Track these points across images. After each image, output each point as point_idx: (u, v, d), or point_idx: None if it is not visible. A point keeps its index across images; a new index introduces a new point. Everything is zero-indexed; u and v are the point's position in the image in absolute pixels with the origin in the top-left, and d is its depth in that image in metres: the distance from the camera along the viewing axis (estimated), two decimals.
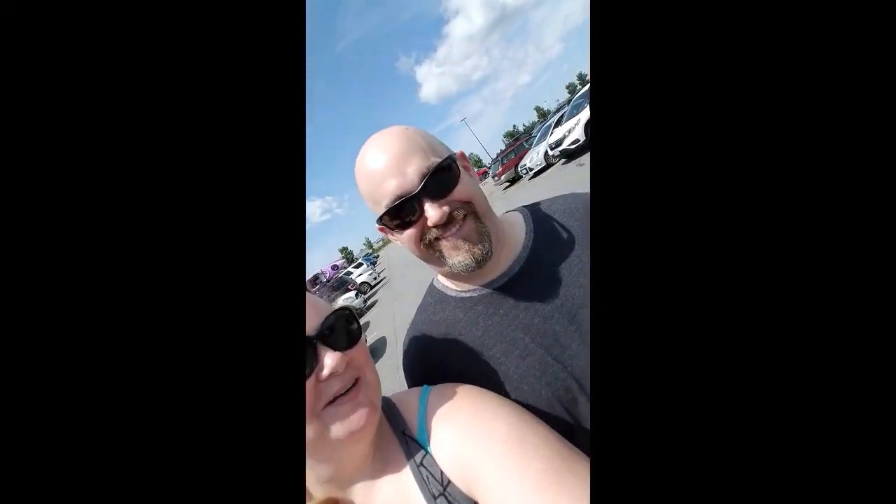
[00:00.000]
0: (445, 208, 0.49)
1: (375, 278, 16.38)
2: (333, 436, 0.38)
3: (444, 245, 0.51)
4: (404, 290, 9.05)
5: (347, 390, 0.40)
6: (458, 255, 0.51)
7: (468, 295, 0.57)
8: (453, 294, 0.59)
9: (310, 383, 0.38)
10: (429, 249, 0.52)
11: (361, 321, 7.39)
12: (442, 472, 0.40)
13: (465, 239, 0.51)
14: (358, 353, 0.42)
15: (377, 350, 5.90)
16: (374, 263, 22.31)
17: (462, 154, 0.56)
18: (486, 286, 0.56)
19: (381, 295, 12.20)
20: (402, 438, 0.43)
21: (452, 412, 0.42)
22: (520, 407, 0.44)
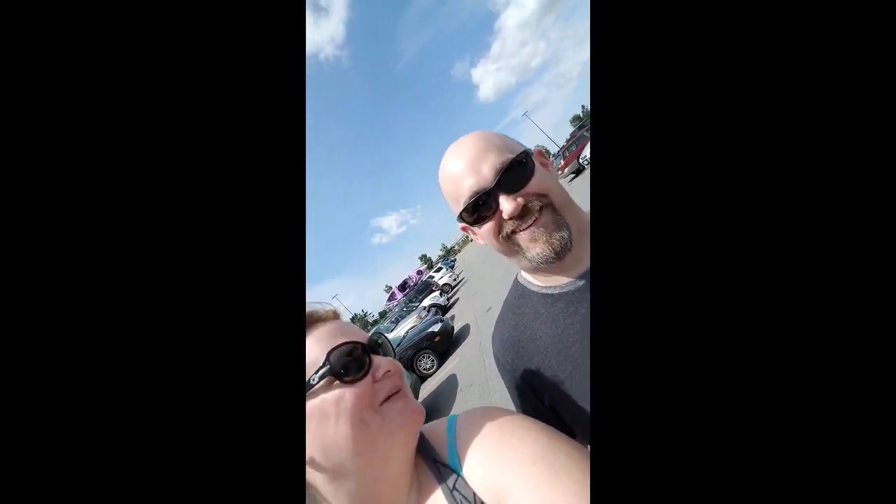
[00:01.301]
0: (520, 200, 0.50)
1: (454, 279, 18.03)
2: (392, 428, 0.41)
3: (522, 237, 0.51)
4: (480, 289, 10.31)
5: (395, 393, 0.43)
6: (535, 246, 0.51)
7: (549, 291, 0.56)
8: (535, 289, 0.59)
9: (367, 381, 0.41)
10: (507, 242, 0.53)
11: (447, 315, 8.71)
12: (475, 494, 0.40)
13: (542, 229, 0.51)
14: (398, 367, 0.45)
15: (463, 334, 7.16)
16: (452, 267, 24.04)
17: (540, 151, 0.57)
18: (568, 283, 0.55)
19: (461, 293, 13.60)
20: (434, 466, 0.44)
21: (482, 437, 0.43)
22: (548, 427, 0.43)
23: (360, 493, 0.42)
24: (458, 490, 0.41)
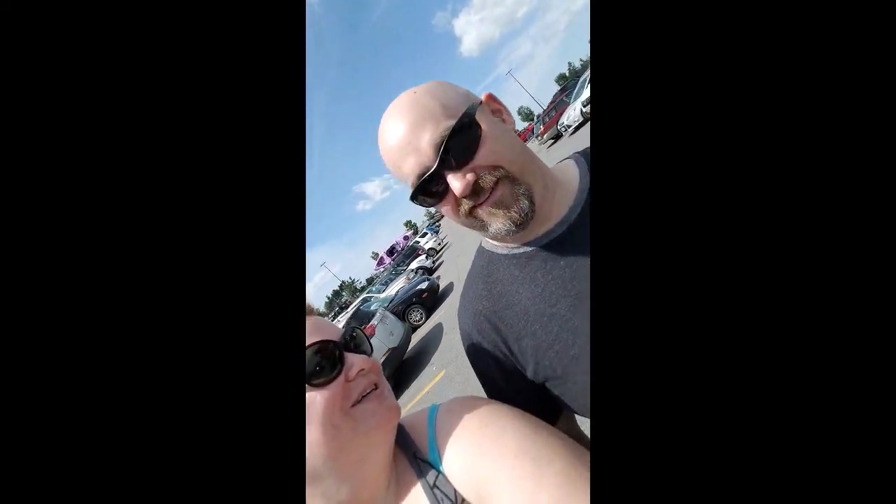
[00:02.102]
0: (469, 177, 0.44)
1: (439, 243, 18.89)
2: (364, 430, 0.40)
3: (480, 213, 0.47)
4: (463, 250, 11.16)
5: (371, 391, 0.42)
6: (495, 221, 0.46)
7: (521, 251, 0.51)
8: (505, 252, 0.53)
9: (339, 382, 0.40)
10: (469, 218, 0.48)
11: (433, 276, 9.56)
12: (455, 490, 0.40)
13: (498, 204, 0.45)
14: (374, 363, 0.44)
15: (447, 291, 8.05)
16: (436, 232, 24.78)
17: (489, 97, 0.50)
18: (539, 239, 0.50)
19: (445, 256, 14.48)
20: (414, 461, 0.43)
21: (461, 429, 0.42)
22: (530, 416, 0.42)
23: (337, 495, 0.41)
24: (438, 487, 0.40)
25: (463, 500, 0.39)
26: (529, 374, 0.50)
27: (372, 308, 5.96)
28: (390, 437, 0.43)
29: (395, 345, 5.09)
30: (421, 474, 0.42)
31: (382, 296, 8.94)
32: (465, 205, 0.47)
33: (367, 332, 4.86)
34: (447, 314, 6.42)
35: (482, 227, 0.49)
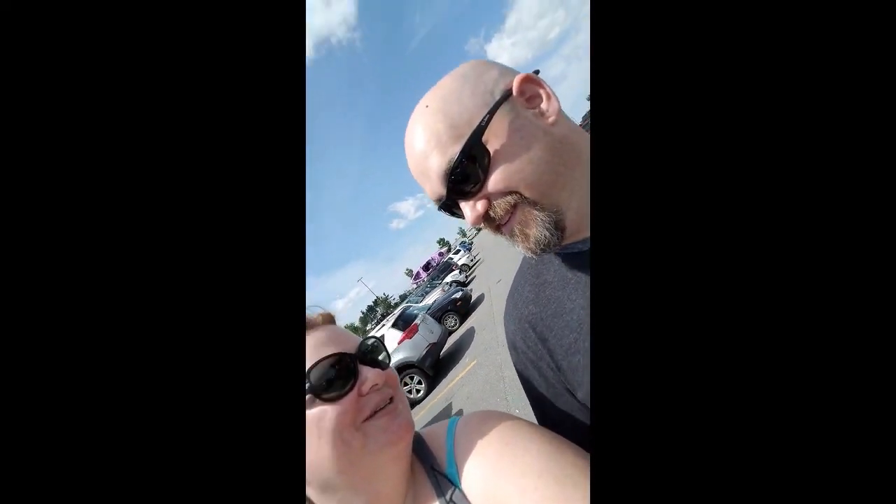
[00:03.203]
0: (479, 208, 0.41)
1: (472, 259, 19.94)
2: (375, 447, 0.39)
3: (505, 232, 0.43)
4: (494, 266, 12.09)
5: (385, 405, 0.41)
6: (520, 243, 0.42)
7: (577, 249, 0.44)
8: (558, 250, 0.45)
9: (352, 397, 0.39)
10: (497, 233, 0.44)
11: (467, 288, 10.53)
12: None
13: (518, 228, 0.41)
14: (391, 375, 0.43)
15: (478, 301, 8.98)
16: (469, 249, 25.86)
17: (525, 80, 0.41)
18: None
19: (477, 272, 15.40)
20: (432, 474, 0.42)
21: (481, 445, 0.40)
22: (552, 433, 0.39)
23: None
24: (455, 502, 0.39)
25: None
26: (580, 396, 0.43)
27: (414, 312, 7.03)
28: (404, 454, 0.42)
29: (435, 341, 6.15)
30: (438, 488, 0.41)
31: (421, 304, 10.01)
32: (486, 227, 0.44)
33: (411, 330, 5.96)
34: (478, 320, 7.39)
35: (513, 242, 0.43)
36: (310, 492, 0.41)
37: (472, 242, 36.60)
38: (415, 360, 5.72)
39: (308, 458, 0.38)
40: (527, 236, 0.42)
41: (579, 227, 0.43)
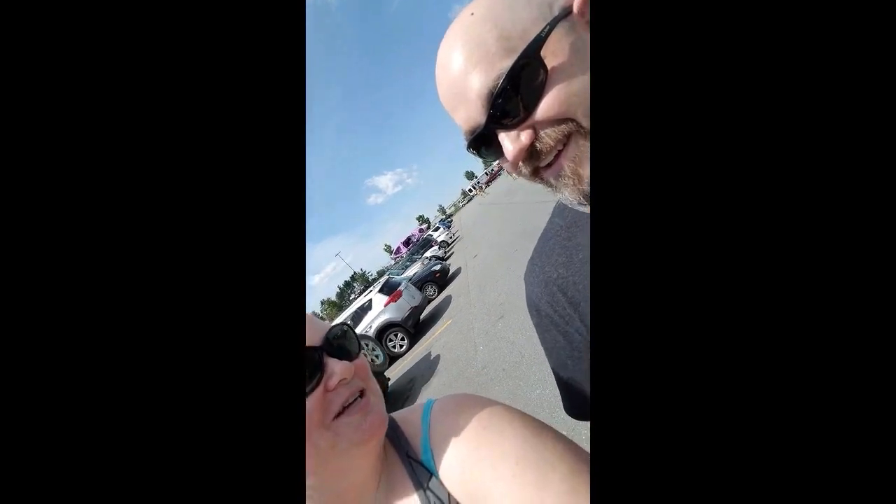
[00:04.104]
0: (524, 139, 0.34)
1: (451, 237, 20.85)
2: (346, 445, 0.37)
3: (546, 176, 0.37)
4: (473, 243, 13.09)
5: (355, 400, 0.39)
6: (564, 188, 0.37)
7: None
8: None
9: (318, 394, 0.37)
10: (535, 178, 0.38)
11: (445, 262, 11.44)
12: (450, 495, 0.38)
13: (569, 167, 0.35)
14: (361, 365, 0.41)
15: (455, 274, 9.92)
16: (448, 226, 26.69)
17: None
18: None
19: (456, 248, 16.34)
20: (407, 461, 0.41)
21: (457, 430, 0.39)
22: (530, 417, 0.38)
23: (321, 499, 0.40)
24: (431, 490, 0.38)
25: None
26: None
27: (398, 280, 7.87)
28: (375, 448, 0.40)
29: (416, 304, 7.08)
30: (415, 477, 0.40)
31: (403, 276, 10.84)
32: (525, 167, 0.37)
33: (396, 295, 6.81)
34: (454, 289, 8.40)
35: (552, 189, 0.38)
36: None
37: (452, 220, 37.41)
38: (398, 319, 6.62)
39: None
40: (580, 177, 0.35)
41: None
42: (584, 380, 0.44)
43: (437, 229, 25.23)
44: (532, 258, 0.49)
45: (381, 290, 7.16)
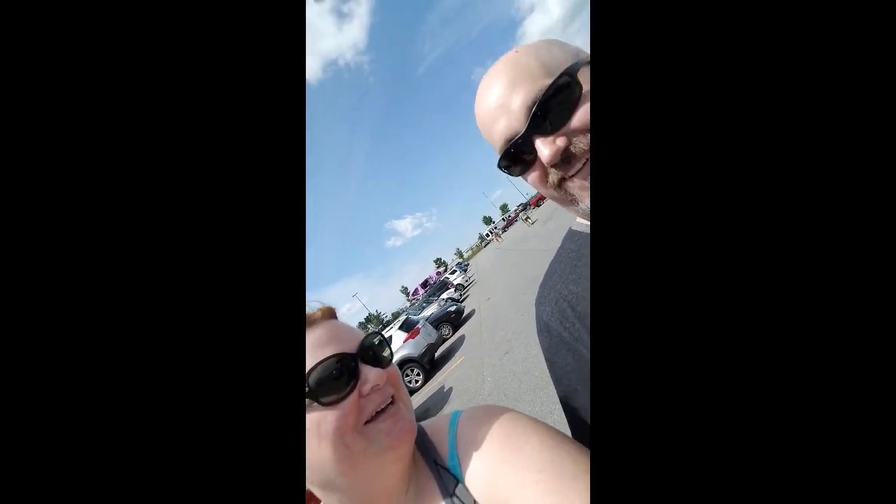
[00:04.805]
0: (560, 142, 0.40)
1: (467, 280, 21.55)
2: (377, 450, 0.39)
3: (572, 185, 0.42)
4: (487, 286, 13.75)
5: (387, 406, 0.40)
6: (587, 197, 0.42)
7: None
8: None
9: (352, 399, 0.38)
10: (559, 191, 0.43)
11: (461, 304, 12.03)
12: (475, 501, 0.39)
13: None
14: (393, 373, 0.43)
15: (469, 315, 10.50)
16: (465, 270, 27.48)
17: None
18: None
19: (472, 291, 16.95)
20: (435, 468, 0.42)
21: (484, 439, 0.40)
22: (553, 429, 0.40)
23: (352, 502, 0.41)
24: (457, 496, 0.40)
25: None
26: None
27: (416, 319, 8.54)
28: (406, 454, 0.42)
29: (432, 342, 7.71)
30: (441, 483, 0.41)
31: (420, 315, 11.48)
32: (554, 175, 0.42)
33: (414, 332, 7.46)
34: (468, 329, 8.98)
35: (572, 201, 0.44)
36: (315, 489, 0.41)
37: (469, 264, 38.31)
38: (416, 355, 7.19)
39: (310, 459, 0.38)
40: None
41: None
42: (579, 384, 0.45)
43: (454, 272, 26.06)
44: (542, 282, 0.51)
45: (400, 328, 7.83)
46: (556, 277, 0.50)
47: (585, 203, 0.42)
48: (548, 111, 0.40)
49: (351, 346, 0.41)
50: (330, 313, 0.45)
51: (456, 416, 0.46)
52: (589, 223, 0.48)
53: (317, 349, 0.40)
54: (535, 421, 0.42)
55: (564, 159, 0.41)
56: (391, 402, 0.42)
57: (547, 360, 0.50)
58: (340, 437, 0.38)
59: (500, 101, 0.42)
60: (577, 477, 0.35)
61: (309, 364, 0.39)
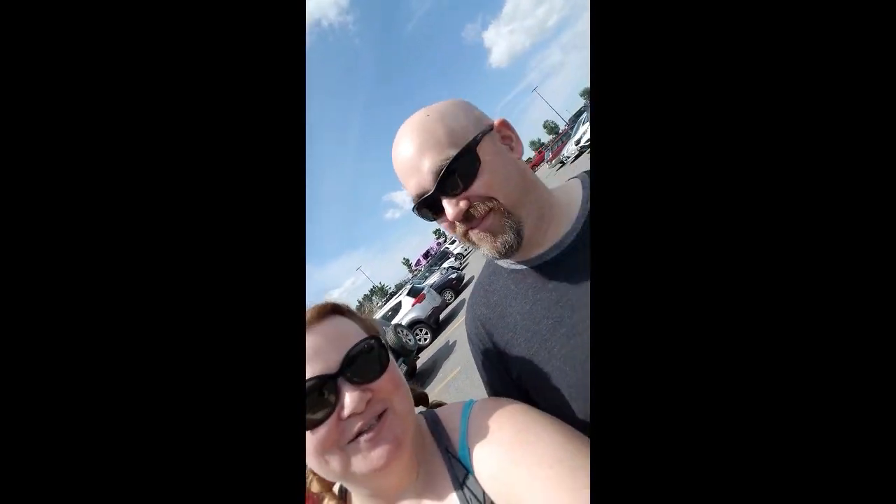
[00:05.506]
0: (462, 205, 0.49)
1: (466, 249, 22.55)
2: (356, 471, 0.39)
3: (472, 236, 0.52)
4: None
5: (371, 426, 0.40)
6: (483, 246, 0.52)
7: (519, 268, 0.57)
8: (506, 266, 0.59)
9: (331, 422, 0.38)
10: (463, 238, 0.53)
11: (461, 270, 13.05)
12: (484, 493, 0.39)
13: (486, 232, 0.51)
14: (385, 382, 0.41)
15: (470, 281, 11.54)
16: None
17: (502, 124, 0.54)
18: (537, 258, 0.55)
19: (471, 259, 18.01)
20: (446, 456, 0.43)
21: (494, 431, 0.41)
22: (565, 425, 0.42)
23: (363, 492, 0.43)
24: (467, 487, 0.40)
25: (492, 503, 0.39)
26: (514, 377, 0.57)
27: (421, 286, 9.58)
28: (395, 467, 0.41)
29: (437, 305, 8.83)
30: (452, 471, 0.42)
31: (424, 283, 12.54)
32: (459, 227, 0.52)
33: (420, 297, 8.48)
34: (469, 294, 10.02)
35: (475, 246, 0.54)
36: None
37: None
38: (423, 317, 8.27)
39: (308, 461, 0.39)
40: (495, 238, 0.51)
41: (527, 244, 0.53)
42: (502, 386, 0.60)
43: (453, 242, 27.02)
44: (468, 301, 0.67)
45: (408, 294, 8.88)
46: (474, 300, 0.64)
47: (481, 250, 0.53)
48: (451, 177, 0.48)
49: (332, 364, 0.40)
50: (319, 315, 0.43)
51: (469, 406, 0.47)
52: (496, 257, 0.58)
53: None
54: (547, 416, 0.43)
55: (466, 218, 0.51)
56: (381, 414, 0.41)
57: (474, 360, 0.65)
58: (321, 455, 0.38)
59: (411, 163, 0.50)
60: (587, 472, 0.35)
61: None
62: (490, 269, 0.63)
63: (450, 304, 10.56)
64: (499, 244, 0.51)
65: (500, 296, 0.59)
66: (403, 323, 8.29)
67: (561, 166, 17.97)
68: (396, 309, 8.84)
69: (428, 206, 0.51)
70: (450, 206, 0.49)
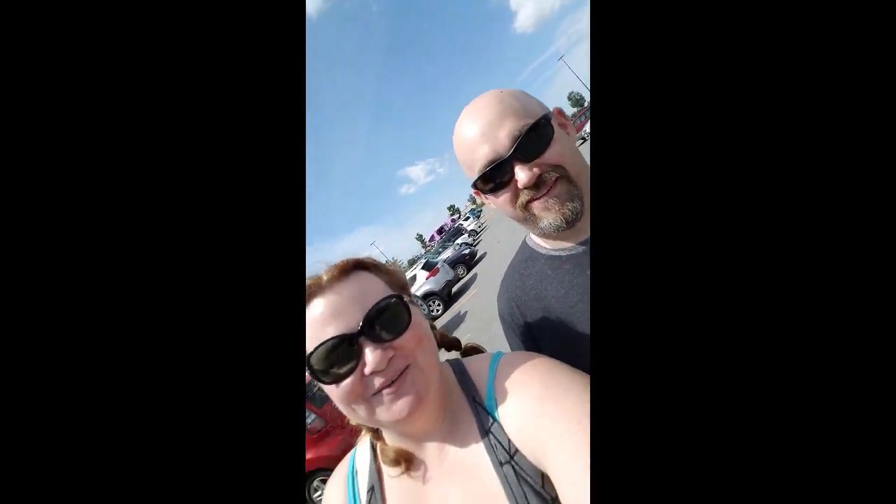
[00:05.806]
0: (536, 170, 0.50)
1: (480, 226, 22.73)
2: (381, 419, 0.41)
3: (536, 206, 0.53)
4: (500, 231, 14.91)
5: (393, 381, 0.41)
6: (548, 215, 0.53)
7: (557, 253, 0.59)
8: (543, 252, 0.61)
9: (356, 375, 0.40)
10: (522, 211, 0.54)
11: (474, 248, 13.27)
12: (509, 440, 0.40)
13: (555, 199, 0.52)
14: (408, 339, 0.42)
15: (482, 257, 11.78)
16: (478, 216, 28.47)
17: (559, 111, 0.57)
18: (575, 245, 0.57)
19: (484, 236, 18.15)
20: (473, 405, 0.44)
21: (522, 383, 0.42)
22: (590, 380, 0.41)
23: (389, 432, 0.46)
24: (493, 433, 0.41)
25: (517, 450, 0.39)
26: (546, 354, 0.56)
27: (436, 260, 9.90)
28: (418, 416, 0.42)
29: (450, 279, 9.21)
30: (478, 417, 0.43)
31: (438, 258, 12.89)
32: (524, 196, 0.53)
33: (435, 271, 8.80)
34: (480, 269, 10.36)
35: (533, 221, 0.55)
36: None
37: (482, 210, 39.10)
38: (436, 289, 8.62)
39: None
40: (563, 206, 0.53)
41: (576, 226, 0.55)
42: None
43: (467, 219, 27.12)
44: (502, 282, 0.69)
45: (423, 268, 9.24)
46: (510, 282, 0.66)
47: (545, 221, 0.54)
48: (527, 143, 0.51)
49: (353, 323, 0.40)
50: (338, 274, 0.43)
51: (497, 357, 0.47)
52: (540, 241, 0.63)
53: (318, 328, 0.40)
54: (575, 372, 0.42)
55: (535, 184, 0.52)
56: (404, 370, 0.41)
57: (504, 334, 0.69)
58: (348, 405, 0.41)
59: (488, 128, 0.52)
60: None
61: (310, 345, 0.40)
62: (526, 255, 0.65)
63: (462, 278, 10.87)
64: (566, 210, 0.53)
65: (535, 279, 0.61)
66: (418, 294, 8.68)
67: (583, 142, 17.56)
68: (411, 282, 9.22)
69: (495, 175, 0.53)
70: (523, 171, 0.51)
